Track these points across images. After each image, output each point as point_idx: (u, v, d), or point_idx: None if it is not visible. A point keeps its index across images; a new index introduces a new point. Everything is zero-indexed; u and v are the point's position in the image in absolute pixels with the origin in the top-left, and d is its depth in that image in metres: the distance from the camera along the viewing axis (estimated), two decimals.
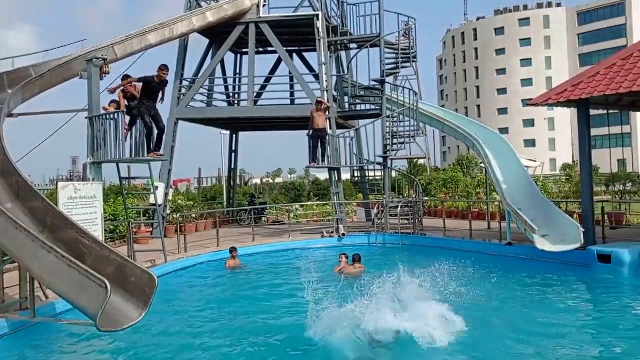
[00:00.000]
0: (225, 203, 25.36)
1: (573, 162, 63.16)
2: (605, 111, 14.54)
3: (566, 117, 77.20)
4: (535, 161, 30.51)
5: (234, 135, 23.66)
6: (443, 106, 59.72)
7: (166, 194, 18.21)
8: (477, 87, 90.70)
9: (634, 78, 10.80)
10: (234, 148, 23.77)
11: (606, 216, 15.13)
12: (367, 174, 20.67)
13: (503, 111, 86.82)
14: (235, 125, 22.81)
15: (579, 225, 11.99)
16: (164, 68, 11.85)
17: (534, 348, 6.70)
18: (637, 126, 76.44)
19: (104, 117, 11.89)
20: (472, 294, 8.68)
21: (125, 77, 12.71)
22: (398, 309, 7.18)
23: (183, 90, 18.97)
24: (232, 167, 24.18)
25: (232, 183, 24.51)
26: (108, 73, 13.04)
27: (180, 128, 18.87)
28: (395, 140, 17.91)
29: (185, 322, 8.67)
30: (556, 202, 15.67)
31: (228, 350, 7.19)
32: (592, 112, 12.77)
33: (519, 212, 12.81)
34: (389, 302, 7.26)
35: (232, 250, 13.50)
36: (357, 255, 12.28)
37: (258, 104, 20.36)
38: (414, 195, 19.03)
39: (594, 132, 13.26)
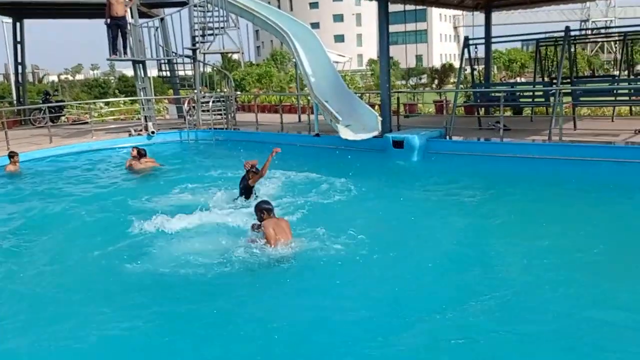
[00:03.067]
0: (15, 102, 22.46)
1: (378, 57, 67.15)
2: (403, 7, 15.39)
3: (373, 13, 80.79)
4: (344, 56, 31.82)
5: (18, 23, 20.52)
6: None
7: None
8: None
9: None
10: (19, 39, 20.69)
11: (402, 106, 16.55)
12: (176, 69, 19.66)
13: (314, 5, 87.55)
14: (18, 11, 19.72)
15: (378, 114, 12.96)
16: None
17: (338, 224, 7.22)
18: (432, 23, 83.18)
19: None
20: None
21: None
22: None
23: None
24: (19, 61, 21.20)
25: (20, 79, 21.63)
26: None
27: None
28: (205, 33, 17.10)
29: None
30: (360, 94, 16.63)
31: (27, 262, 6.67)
32: (392, 8, 13.38)
33: (326, 104, 13.37)
34: None
35: (12, 154, 12.20)
36: (142, 150, 12.45)
37: None
38: (226, 90, 18.71)
39: (394, 28, 13.96)
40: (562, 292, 5.28)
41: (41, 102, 20.63)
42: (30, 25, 20.40)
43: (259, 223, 6.68)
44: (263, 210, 6.68)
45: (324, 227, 6.85)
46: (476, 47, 14.02)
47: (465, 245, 6.77)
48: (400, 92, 18.12)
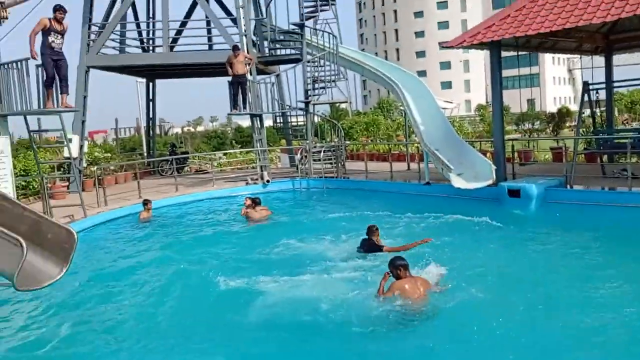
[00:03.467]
0: (145, 154, 24.59)
1: (486, 102, 65.87)
2: (516, 53, 15.15)
3: (480, 59, 79.80)
4: (451, 103, 31.57)
5: (151, 83, 22.73)
6: (363, 50, 59.87)
7: (81, 146, 17.39)
8: (396, 30, 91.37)
9: (542, 20, 11.28)
10: (151, 96, 22.87)
11: (516, 153, 16.06)
12: (289, 120, 20.61)
13: (421, 54, 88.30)
14: (151, 73, 21.87)
15: (491, 162, 12.67)
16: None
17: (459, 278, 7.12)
18: (545, 67, 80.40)
19: (7, 65, 11.05)
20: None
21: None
22: None
23: (92, 37, 17.85)
24: (151, 116, 23.35)
25: (151, 133, 23.74)
26: (6, 18, 12.05)
27: (92, 77, 17.89)
28: (316, 85, 17.88)
29: (107, 277, 8.53)
30: (470, 142, 16.39)
31: (149, 304, 7.18)
32: (504, 53, 13.27)
33: (436, 152, 13.34)
34: None
35: (146, 202, 13.20)
36: (257, 198, 12.98)
37: (174, 49, 19.54)
38: (336, 140, 19.25)
39: (505, 73, 13.80)
40: None
41: (168, 153, 22.38)
42: (160, 83, 22.52)
43: (392, 278, 6.46)
44: (399, 267, 6.43)
45: (445, 278, 6.78)
46: (597, 92, 13.40)
47: (601, 306, 6.29)
48: (515, 139, 17.58)
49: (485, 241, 9.42)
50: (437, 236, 9.19)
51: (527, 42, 13.64)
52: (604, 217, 10.27)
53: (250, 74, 16.86)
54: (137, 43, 20.71)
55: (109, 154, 22.21)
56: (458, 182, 12.45)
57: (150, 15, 21.19)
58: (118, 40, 19.31)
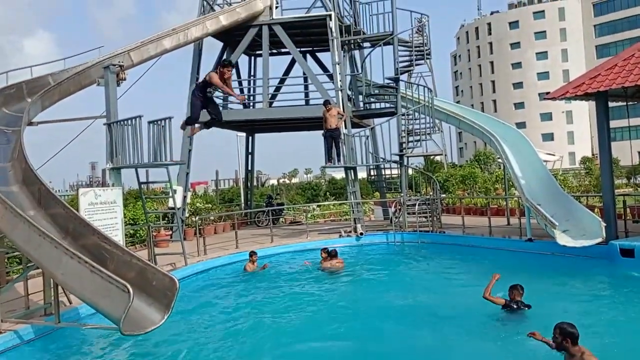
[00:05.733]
0: (242, 204, 25.47)
1: (592, 155, 62.32)
2: (624, 103, 14.34)
3: (584, 110, 76.25)
4: (554, 155, 30.28)
5: (250, 137, 23.77)
6: (458, 102, 59.37)
7: (184, 197, 18.35)
8: (493, 82, 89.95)
9: None
10: (250, 150, 23.87)
11: (628, 209, 14.92)
12: (383, 172, 20.62)
13: (520, 105, 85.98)
14: (251, 127, 22.90)
15: (600, 219, 11.84)
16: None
17: None
18: None
19: (122, 122, 12.03)
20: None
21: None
22: None
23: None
24: (249, 168, 24.30)
25: (249, 184, 24.63)
26: (124, 79, 13.20)
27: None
28: (411, 138, 17.84)
29: (206, 325, 8.75)
30: (576, 197, 15.50)
31: (248, 353, 7.25)
32: (611, 104, 12.60)
33: (539, 207, 12.68)
34: None
35: (252, 254, 13.49)
36: (333, 251, 13.25)
37: (273, 105, 20.42)
38: (431, 193, 18.92)
39: (613, 124, 13.05)
40: None
41: (265, 204, 23.02)
42: (259, 137, 23.53)
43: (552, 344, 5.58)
44: (567, 337, 5.33)
45: None
46: None
47: None
48: (627, 194, 16.39)
49: (594, 303, 8.72)
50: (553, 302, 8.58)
51: (637, 91, 12.87)
52: None
53: (345, 128, 17.16)
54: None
55: (209, 205, 23.22)
56: (563, 240, 11.70)
57: (252, 74, 22.38)
58: (222, 97, 20.49)
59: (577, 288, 9.91)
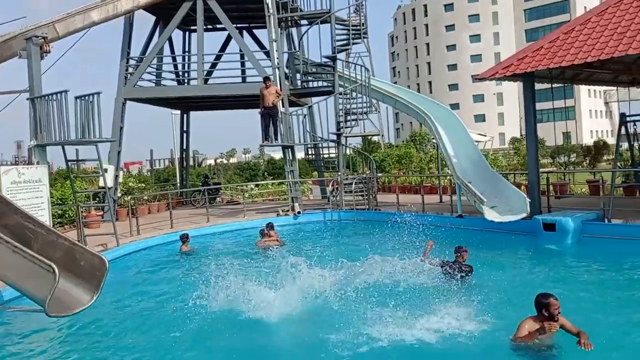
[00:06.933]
0: (178, 184, 24.99)
1: (521, 135, 65.02)
2: (550, 85, 14.98)
3: (514, 92, 79.21)
4: (485, 136, 31.26)
5: (185, 115, 23.22)
6: (395, 83, 60.20)
7: (116, 177, 17.78)
8: (429, 64, 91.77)
9: (576, 52, 11.15)
10: (185, 128, 23.33)
11: (551, 186, 15.70)
12: (321, 152, 20.71)
13: (454, 87, 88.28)
14: (185, 105, 22.37)
15: (526, 195, 12.42)
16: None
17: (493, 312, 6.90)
18: (580, 99, 79.29)
19: (47, 97, 11.45)
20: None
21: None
22: None
23: (130, 70, 18.42)
24: (184, 147, 23.79)
25: (184, 164, 24.14)
26: (49, 52, 12.55)
27: (129, 109, 18.40)
28: (348, 117, 17.98)
29: (137, 306, 8.56)
30: (504, 175, 16.13)
31: (175, 335, 7.13)
32: (538, 86, 13.12)
33: (469, 185, 13.15)
34: None
35: (184, 237, 13.07)
36: (269, 224, 13.33)
37: (208, 82, 20.00)
38: (367, 172, 19.20)
39: (540, 106, 13.63)
40: None
41: (201, 184, 22.67)
42: (194, 115, 22.99)
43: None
44: (543, 308, 5.65)
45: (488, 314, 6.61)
46: (635, 124, 13.09)
47: None
48: (550, 172, 17.25)
49: (519, 274, 9.18)
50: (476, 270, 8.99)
51: (562, 74, 13.49)
52: None
53: (283, 106, 17.06)
54: (173, 76, 21.28)
55: (143, 185, 22.63)
56: (491, 215, 12.22)
57: (186, 49, 21.80)
58: (154, 74, 19.86)
59: (504, 260, 10.35)
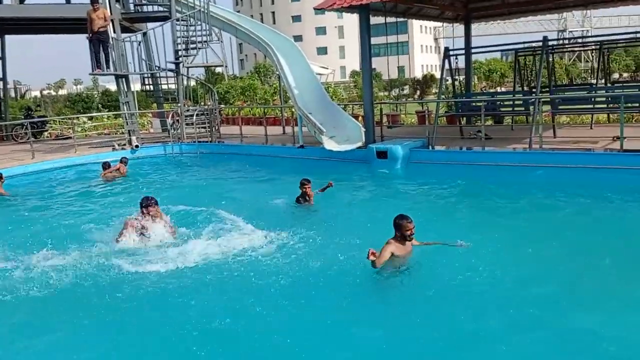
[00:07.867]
0: None
1: (360, 69, 67.71)
2: (384, 18, 15.57)
3: (355, 26, 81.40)
4: (327, 69, 32.02)
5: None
6: (238, 11, 58.47)
7: None
8: None
9: None
10: (0, 54, 20.62)
11: (385, 117, 16.70)
12: (160, 82, 19.67)
13: (297, 18, 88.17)
14: None
15: (361, 125, 13.08)
16: None
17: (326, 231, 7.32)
18: (414, 35, 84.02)
19: None
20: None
21: None
22: None
23: None
24: (1, 76, 21.10)
25: (2, 95, 21.49)
26: None
27: None
28: (188, 47, 17.16)
29: None
30: (343, 106, 16.77)
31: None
32: (374, 20, 13.54)
33: (309, 116, 13.49)
34: None
35: None
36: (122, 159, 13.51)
37: (25, 1, 17.70)
38: (210, 103, 18.75)
39: (376, 40, 14.18)
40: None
41: (23, 118, 20.47)
42: (12, 40, 20.34)
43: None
44: (397, 229, 6.06)
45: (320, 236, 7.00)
46: (456, 58, 14.23)
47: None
48: (383, 103, 18.32)
49: (357, 198, 9.90)
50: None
51: (394, 7, 14.05)
52: (462, 175, 11.00)
53: (114, 31, 15.76)
54: None
55: None
56: (329, 145, 12.75)
57: None
58: None
59: (342, 185, 10.90)
